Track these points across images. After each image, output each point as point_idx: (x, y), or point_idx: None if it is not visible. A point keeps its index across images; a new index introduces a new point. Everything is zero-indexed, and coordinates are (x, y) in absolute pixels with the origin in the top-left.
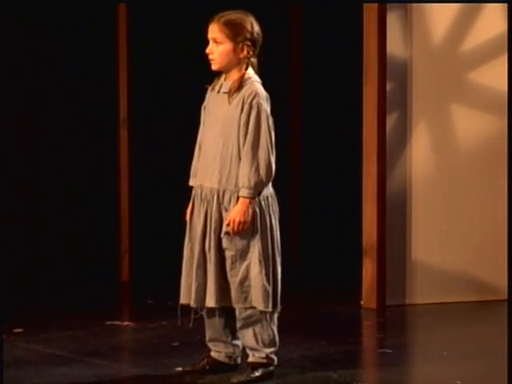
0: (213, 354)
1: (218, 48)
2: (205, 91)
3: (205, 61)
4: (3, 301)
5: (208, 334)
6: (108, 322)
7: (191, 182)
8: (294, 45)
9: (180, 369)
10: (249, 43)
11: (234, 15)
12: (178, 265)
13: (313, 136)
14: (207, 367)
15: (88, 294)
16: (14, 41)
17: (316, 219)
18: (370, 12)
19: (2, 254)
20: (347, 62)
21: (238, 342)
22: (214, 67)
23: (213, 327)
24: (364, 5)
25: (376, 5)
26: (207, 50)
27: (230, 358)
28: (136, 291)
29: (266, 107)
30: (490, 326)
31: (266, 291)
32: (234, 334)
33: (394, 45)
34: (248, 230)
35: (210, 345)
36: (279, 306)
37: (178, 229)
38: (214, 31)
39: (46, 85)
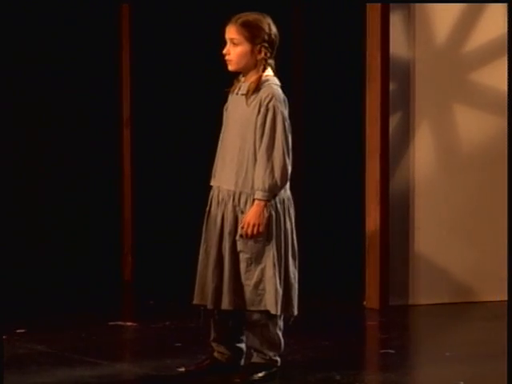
0: (216, 354)
1: (235, 49)
2: (208, 92)
3: (207, 61)
4: (5, 301)
5: (213, 334)
6: (111, 323)
7: (212, 182)
8: (296, 45)
9: (182, 369)
10: (266, 45)
11: (251, 16)
12: (180, 265)
13: (315, 135)
14: (210, 367)
15: (91, 294)
16: (16, 40)
17: (319, 219)
18: (372, 12)
19: (4, 254)
20: (350, 62)
21: (242, 346)
22: (231, 68)
23: (219, 328)
24: (367, 4)
25: (379, 5)
26: (224, 51)
27: (232, 360)
28: (139, 291)
29: (283, 110)
30: (492, 326)
31: (278, 294)
32: (238, 337)
33: (397, 45)
34: (263, 232)
35: (214, 345)
36: (295, 312)
37: (181, 229)
38: (232, 32)
39: (48, 84)
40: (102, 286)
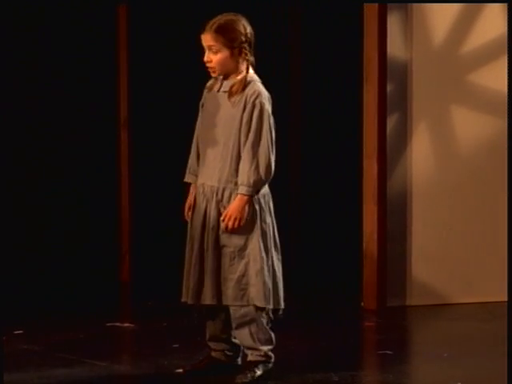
0: (213, 353)
1: (215, 56)
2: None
3: (204, 62)
4: (3, 302)
5: (208, 333)
6: (108, 324)
7: (186, 178)
8: (294, 45)
9: (180, 370)
10: (245, 45)
11: (224, 20)
12: (178, 266)
13: (313, 136)
14: (207, 367)
15: (88, 295)
16: (14, 42)
17: (316, 219)
18: (370, 12)
19: (2, 255)
20: (347, 63)
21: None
22: (215, 75)
23: (213, 326)
24: (364, 5)
25: (376, 5)
26: (205, 59)
27: (230, 357)
28: (136, 292)
29: (268, 107)
30: (490, 327)
31: (267, 288)
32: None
33: (395, 45)
34: (247, 227)
35: (211, 344)
36: (282, 305)
37: (179, 230)
38: (208, 40)
39: (46, 86)
40: (99, 286)
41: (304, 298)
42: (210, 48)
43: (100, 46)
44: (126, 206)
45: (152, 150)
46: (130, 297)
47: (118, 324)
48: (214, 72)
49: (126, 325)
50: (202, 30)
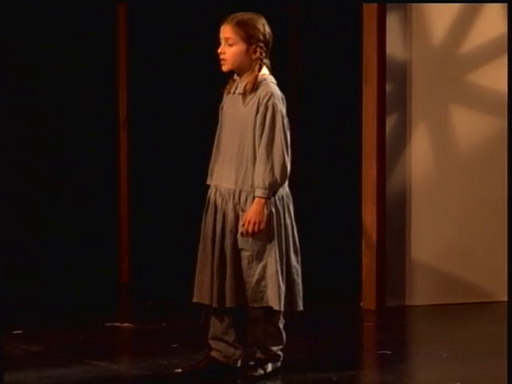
0: (213, 353)
1: (230, 49)
2: (205, 93)
3: (204, 62)
4: (2, 302)
5: (211, 332)
6: (108, 324)
7: (208, 181)
8: (293, 45)
9: (179, 370)
10: (261, 45)
11: (246, 16)
12: (177, 266)
13: (312, 136)
14: (207, 368)
15: (88, 296)
16: (13, 42)
17: (316, 219)
18: (369, 12)
19: (2, 255)
20: (347, 63)
21: (240, 345)
22: (225, 68)
23: (218, 325)
24: (363, 5)
25: (375, 5)
26: (219, 50)
27: (229, 358)
28: (136, 293)
29: (282, 108)
30: (490, 327)
31: (281, 291)
32: (236, 336)
33: (394, 45)
34: (264, 230)
35: (212, 343)
36: (300, 307)
37: (178, 230)
38: (227, 31)
39: (45, 85)
40: (98, 287)
41: (303, 297)
42: (226, 40)
43: (99, 45)
44: (125, 207)
45: (151, 150)
46: (130, 297)
47: (117, 324)
48: (224, 65)
49: (125, 325)
50: (222, 21)
